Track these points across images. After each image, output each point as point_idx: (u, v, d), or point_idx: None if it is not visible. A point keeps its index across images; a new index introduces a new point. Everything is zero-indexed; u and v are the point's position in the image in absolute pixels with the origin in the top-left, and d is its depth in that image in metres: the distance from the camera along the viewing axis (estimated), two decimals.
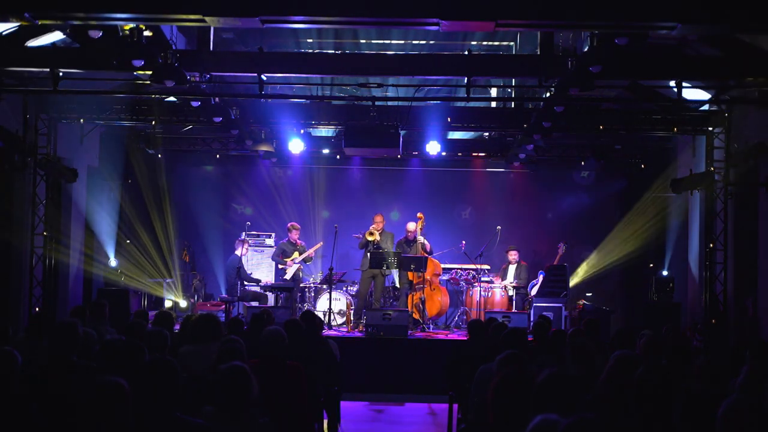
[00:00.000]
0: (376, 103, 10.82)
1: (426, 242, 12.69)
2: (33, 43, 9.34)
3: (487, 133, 13.98)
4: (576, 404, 3.43)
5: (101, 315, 7.70)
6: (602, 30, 7.67)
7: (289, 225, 13.12)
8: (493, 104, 12.76)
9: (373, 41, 12.05)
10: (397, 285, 13.07)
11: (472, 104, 11.81)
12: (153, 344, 5.21)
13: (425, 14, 6.98)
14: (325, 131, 13.90)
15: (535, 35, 10.43)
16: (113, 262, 13.08)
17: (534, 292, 12.81)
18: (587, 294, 13.91)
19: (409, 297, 12.47)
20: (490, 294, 12.79)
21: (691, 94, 10.94)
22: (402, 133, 11.35)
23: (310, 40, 12.16)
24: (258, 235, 14.33)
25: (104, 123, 12.32)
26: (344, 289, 12.94)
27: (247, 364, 4.14)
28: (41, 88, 10.14)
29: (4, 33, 9.00)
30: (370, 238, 12.41)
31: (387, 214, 13.38)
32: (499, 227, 13.99)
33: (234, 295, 12.32)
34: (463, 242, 13.40)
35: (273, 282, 13.01)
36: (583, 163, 14.46)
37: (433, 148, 12.57)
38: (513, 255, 13.35)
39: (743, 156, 10.35)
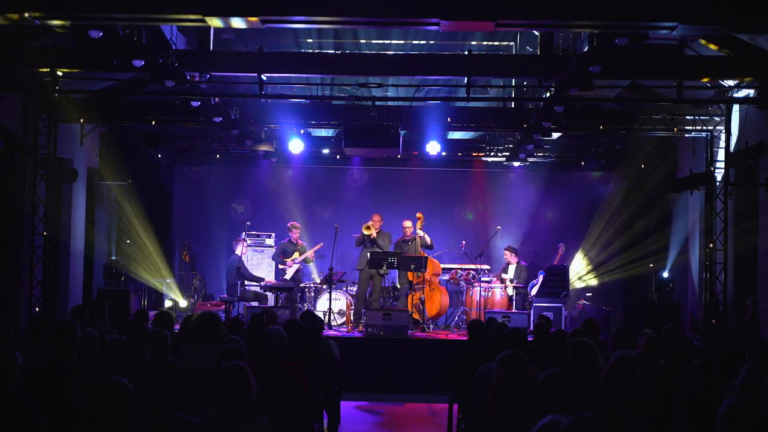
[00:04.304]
0: (376, 103, 10.82)
1: (426, 236, 12.67)
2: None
3: (487, 133, 13.97)
4: (576, 404, 3.43)
5: (101, 315, 7.69)
6: (602, 30, 7.67)
7: (289, 224, 13.12)
8: (493, 104, 12.76)
9: (373, 41, 12.04)
10: (397, 285, 13.07)
11: (472, 104, 11.80)
12: (153, 344, 5.21)
13: (425, 14, 6.98)
14: (325, 131, 13.89)
15: (535, 35, 10.43)
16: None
17: (534, 292, 12.82)
18: (587, 294, 13.92)
19: (409, 297, 12.46)
20: (490, 294, 12.79)
21: (691, 93, 10.95)
22: (402, 133, 11.34)
23: (310, 40, 12.16)
24: (258, 235, 14.32)
25: (104, 123, 12.32)
26: (344, 289, 12.93)
27: (247, 364, 4.14)
28: (41, 88, 10.14)
29: None
30: (366, 232, 12.39)
31: (387, 214, 13.39)
32: (499, 227, 14.01)
33: (234, 295, 12.32)
34: (463, 242, 13.41)
35: (273, 282, 13.01)
36: (583, 163, 14.46)
37: (433, 148, 12.56)
38: (507, 255, 13.38)
39: (743, 156, 10.35)
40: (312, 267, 14.07)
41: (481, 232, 14.60)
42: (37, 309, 10.82)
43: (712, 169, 11.30)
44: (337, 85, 12.24)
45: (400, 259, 12.04)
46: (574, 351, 4.82)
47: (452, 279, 13.37)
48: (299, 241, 12.96)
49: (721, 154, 11.23)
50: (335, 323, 12.29)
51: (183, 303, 14.11)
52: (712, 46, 9.32)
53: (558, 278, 12.92)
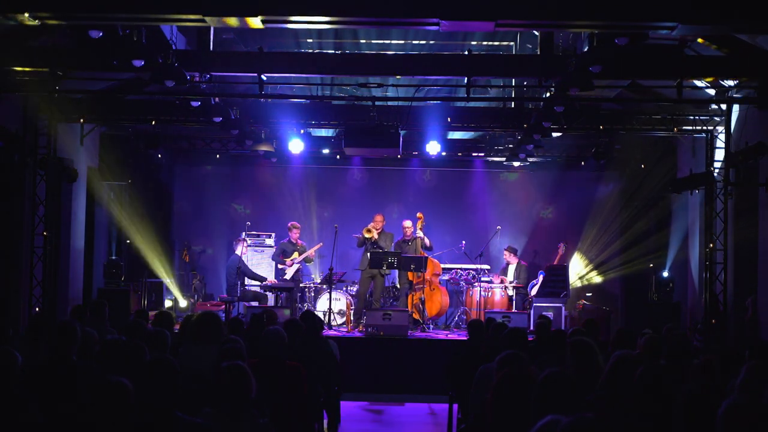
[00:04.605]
0: (376, 103, 10.82)
1: (426, 238, 12.69)
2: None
3: (487, 133, 13.97)
4: (576, 404, 3.43)
5: (101, 315, 7.69)
6: (602, 30, 7.67)
7: (289, 224, 13.12)
8: (493, 104, 12.75)
9: (373, 41, 12.03)
10: (397, 285, 13.07)
11: (472, 104, 11.80)
12: (153, 344, 5.21)
13: (425, 14, 6.98)
14: (325, 131, 13.89)
15: (535, 35, 10.43)
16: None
17: (534, 292, 12.82)
18: (587, 294, 13.92)
19: (409, 297, 12.46)
20: (490, 294, 12.79)
21: (691, 93, 10.94)
22: (402, 133, 11.34)
23: (310, 40, 12.15)
24: (258, 235, 14.32)
25: (104, 123, 12.32)
26: (344, 289, 12.93)
27: (247, 364, 4.14)
28: (41, 88, 10.14)
29: None
30: (367, 236, 12.40)
31: (387, 214, 13.39)
32: (499, 227, 14.00)
33: (234, 295, 12.32)
34: (463, 242, 13.41)
35: (274, 282, 13.01)
36: (583, 163, 14.45)
37: (433, 148, 12.56)
38: (506, 256, 13.39)
39: (743, 156, 10.35)
40: (312, 267, 14.07)
41: (481, 232, 14.59)
42: (37, 309, 10.81)
43: (712, 169, 11.30)
44: (337, 85, 12.24)
45: (400, 259, 12.04)
46: (574, 350, 4.82)
47: (452, 279, 13.38)
48: (299, 241, 12.96)
49: (721, 154, 11.23)
50: (335, 323, 12.29)
51: (183, 303, 14.11)
52: (712, 46, 9.32)
53: (558, 278, 12.92)
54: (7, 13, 6.87)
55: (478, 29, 10.20)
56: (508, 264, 13.42)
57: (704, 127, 11.58)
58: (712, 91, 10.98)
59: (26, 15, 6.80)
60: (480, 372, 5.54)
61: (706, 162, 11.44)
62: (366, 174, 15.62)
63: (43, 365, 4.83)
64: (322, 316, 11.09)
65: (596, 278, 14.51)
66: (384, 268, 12.24)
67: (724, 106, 11.00)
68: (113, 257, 13.42)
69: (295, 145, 12.87)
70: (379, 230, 12.53)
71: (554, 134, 12.24)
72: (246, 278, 12.61)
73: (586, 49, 8.35)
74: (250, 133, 12.59)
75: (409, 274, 12.41)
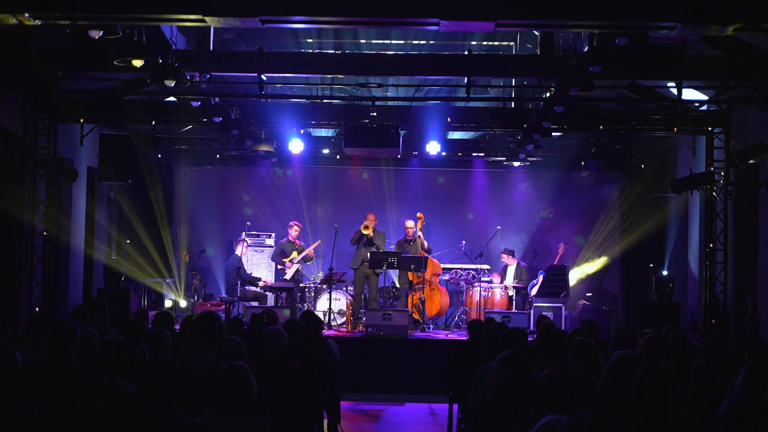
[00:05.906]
0: (376, 103, 10.81)
1: (425, 242, 12.71)
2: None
3: (487, 133, 13.96)
4: (576, 404, 3.43)
5: (101, 315, 7.70)
6: (602, 30, 7.67)
7: (291, 223, 13.13)
8: (493, 104, 12.75)
9: (373, 41, 12.03)
10: (397, 285, 13.07)
11: (472, 104, 11.80)
12: (153, 344, 5.21)
13: (425, 14, 6.98)
14: (325, 131, 13.89)
15: (535, 35, 10.43)
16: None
17: (534, 292, 12.81)
18: (587, 294, 13.92)
19: (409, 297, 12.46)
20: (490, 294, 12.79)
21: (691, 94, 10.95)
22: (402, 133, 11.34)
23: (310, 40, 12.15)
24: (258, 235, 14.32)
25: (104, 123, 12.32)
26: (344, 289, 12.92)
27: (247, 364, 4.14)
28: (41, 88, 10.14)
29: None
30: (365, 232, 12.39)
31: (386, 214, 13.38)
32: (499, 227, 14.00)
33: (234, 295, 12.32)
34: (463, 242, 13.40)
35: (273, 282, 13.01)
36: (583, 163, 14.45)
37: (433, 148, 12.56)
38: (504, 258, 13.34)
39: (743, 156, 10.35)
40: (312, 267, 14.05)
41: (481, 232, 14.59)
42: (37, 309, 10.81)
43: (712, 169, 11.30)
44: (337, 85, 12.23)
45: (400, 259, 12.04)
46: (575, 350, 4.82)
47: (452, 279, 13.37)
48: (297, 241, 12.95)
49: (720, 154, 11.22)
50: (335, 323, 12.29)
51: (183, 303, 14.11)
52: (712, 47, 9.33)
53: (558, 278, 12.92)
54: (6, 13, 6.87)
55: (478, 29, 10.20)
56: (506, 266, 13.41)
57: (704, 127, 11.58)
58: (712, 92, 10.98)
59: (26, 15, 6.79)
60: (480, 372, 5.54)
61: (706, 162, 11.44)
62: (366, 174, 15.61)
63: (43, 365, 4.83)
64: (322, 316, 11.10)
65: (596, 278, 14.51)
66: (384, 268, 12.24)
67: (724, 106, 11.00)
68: (113, 257, 13.42)
69: (295, 145, 12.87)
70: (373, 229, 12.53)
71: (554, 134, 12.24)
72: None
73: (586, 49, 8.35)
74: (250, 133, 12.59)
75: (409, 274, 12.41)
